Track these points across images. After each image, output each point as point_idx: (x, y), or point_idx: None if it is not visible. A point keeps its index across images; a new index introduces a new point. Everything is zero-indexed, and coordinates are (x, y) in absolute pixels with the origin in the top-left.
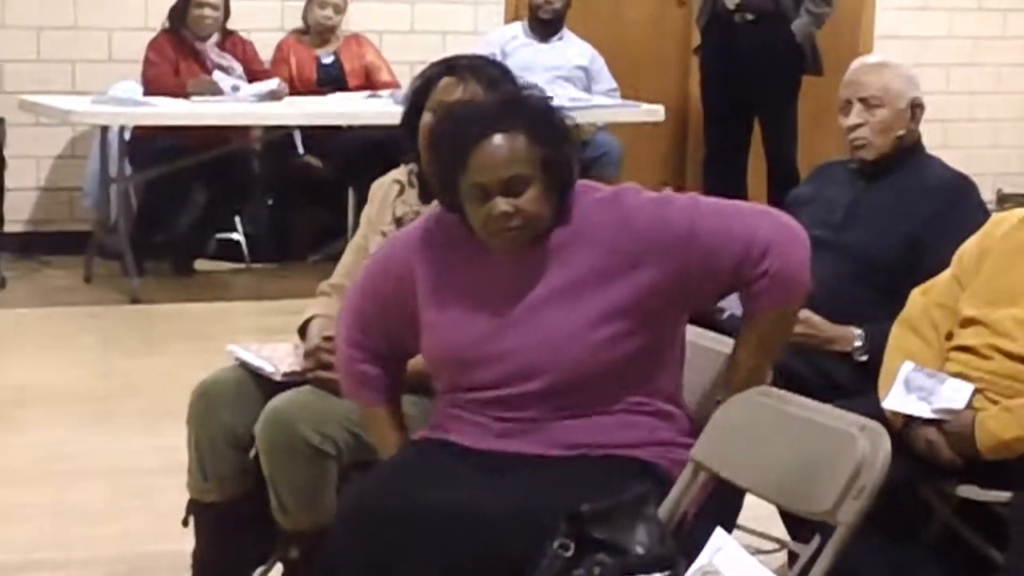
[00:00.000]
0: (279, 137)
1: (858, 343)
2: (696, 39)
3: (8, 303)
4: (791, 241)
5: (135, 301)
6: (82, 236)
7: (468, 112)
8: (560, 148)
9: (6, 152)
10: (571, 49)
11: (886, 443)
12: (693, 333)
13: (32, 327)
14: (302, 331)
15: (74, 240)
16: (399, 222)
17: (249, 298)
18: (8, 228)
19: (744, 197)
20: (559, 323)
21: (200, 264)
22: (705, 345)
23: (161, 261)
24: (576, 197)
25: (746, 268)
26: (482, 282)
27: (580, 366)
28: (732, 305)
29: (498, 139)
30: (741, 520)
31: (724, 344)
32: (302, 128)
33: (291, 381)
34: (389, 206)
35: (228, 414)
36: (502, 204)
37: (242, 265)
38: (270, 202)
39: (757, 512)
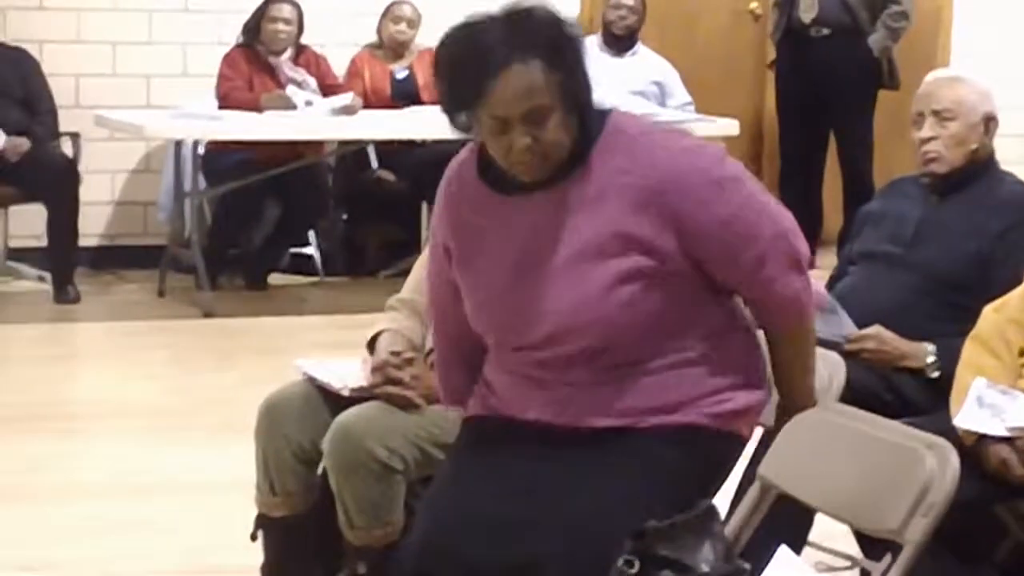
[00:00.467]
0: (353, 152)
1: (930, 359)
2: (771, 53)
3: (82, 317)
4: (798, 273)
5: (208, 315)
6: (156, 250)
7: (480, 40)
8: (575, 67)
9: (81, 167)
10: (645, 64)
11: (954, 461)
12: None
13: (106, 341)
14: (371, 346)
15: (148, 254)
16: None
17: (322, 312)
18: (83, 242)
19: (819, 211)
20: (588, 282)
21: (273, 278)
22: None
23: (235, 275)
24: (624, 137)
25: (753, 286)
26: (507, 240)
27: (614, 324)
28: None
29: (515, 70)
30: (813, 537)
31: None
32: (376, 143)
33: (359, 396)
34: None
35: (295, 429)
36: (523, 138)
37: (315, 279)
38: (344, 217)
39: (831, 529)
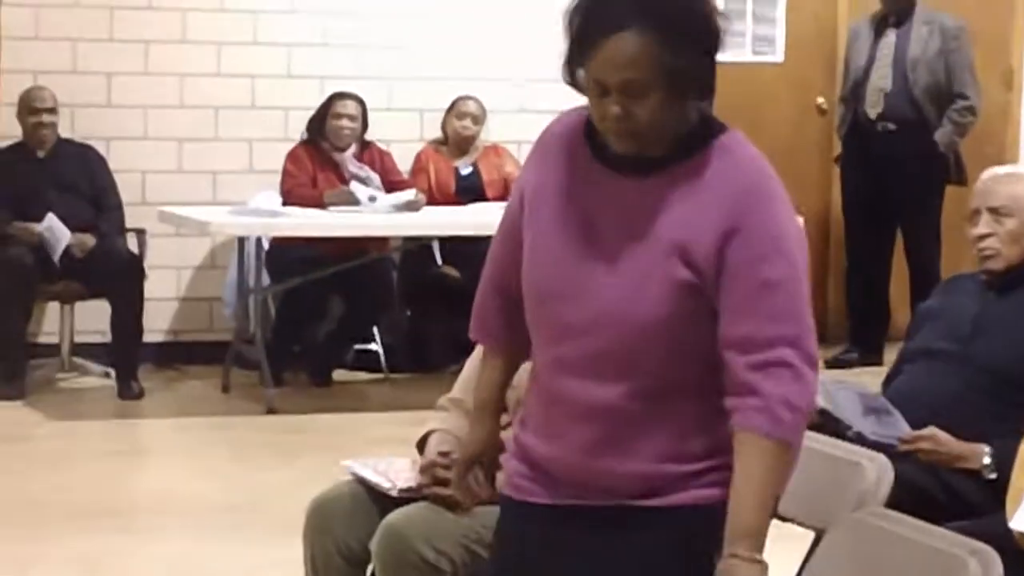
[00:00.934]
0: (417, 247)
1: (987, 460)
2: (838, 148)
3: (146, 413)
4: (796, 381)
5: (271, 411)
6: (221, 346)
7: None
8: (694, 57)
9: (147, 262)
10: None
11: (998, 568)
12: (820, 441)
13: (169, 437)
14: (420, 445)
15: (213, 350)
16: None
17: (386, 409)
18: (148, 338)
19: (886, 306)
20: (644, 277)
21: (338, 375)
22: (832, 454)
23: (299, 371)
24: (730, 148)
25: (742, 364)
26: (581, 207)
27: (649, 326)
28: (857, 422)
29: (624, 37)
30: None
31: (854, 453)
32: (440, 238)
33: (407, 497)
34: None
35: (344, 529)
36: (615, 106)
37: (380, 375)
38: (408, 312)
39: None
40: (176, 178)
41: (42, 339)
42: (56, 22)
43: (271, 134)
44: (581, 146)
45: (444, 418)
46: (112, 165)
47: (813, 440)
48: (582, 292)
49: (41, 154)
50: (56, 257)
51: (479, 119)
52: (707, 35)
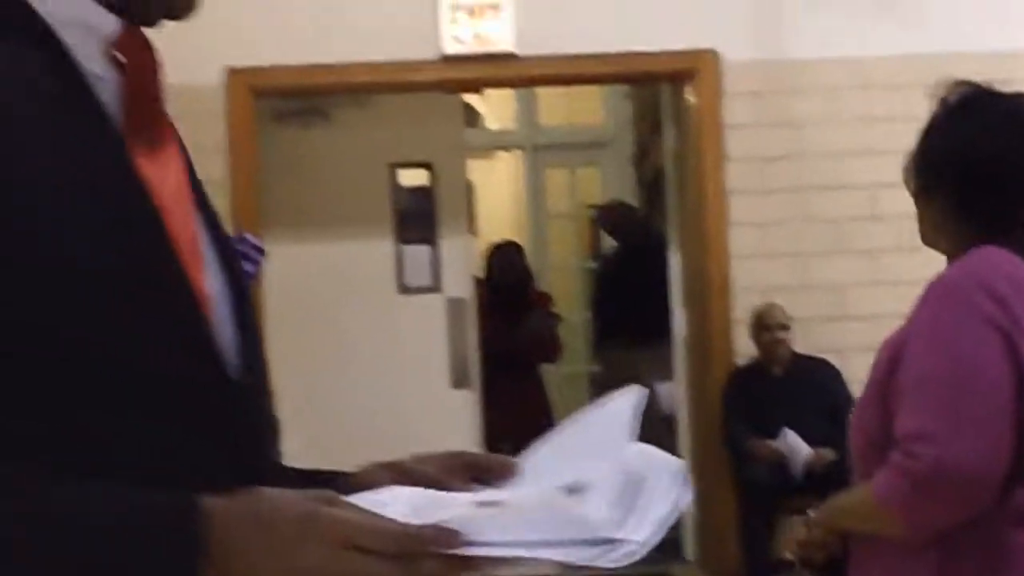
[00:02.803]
0: None
1: None
2: None
3: None
4: (900, 481)
5: None
6: None
7: None
8: (925, 177)
9: None
10: None
11: None
12: None
13: None
14: None
15: None
16: None
17: None
18: None
19: None
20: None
21: None
22: None
23: None
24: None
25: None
26: None
27: (864, 436)
28: None
29: None
30: None
31: None
32: None
33: None
34: None
35: None
36: None
37: None
38: None
39: None
40: None
41: (787, 555)
42: (783, 238)
43: None
44: None
45: None
46: (846, 376)
47: None
48: None
49: (777, 371)
50: (796, 473)
51: None
52: (941, 167)
